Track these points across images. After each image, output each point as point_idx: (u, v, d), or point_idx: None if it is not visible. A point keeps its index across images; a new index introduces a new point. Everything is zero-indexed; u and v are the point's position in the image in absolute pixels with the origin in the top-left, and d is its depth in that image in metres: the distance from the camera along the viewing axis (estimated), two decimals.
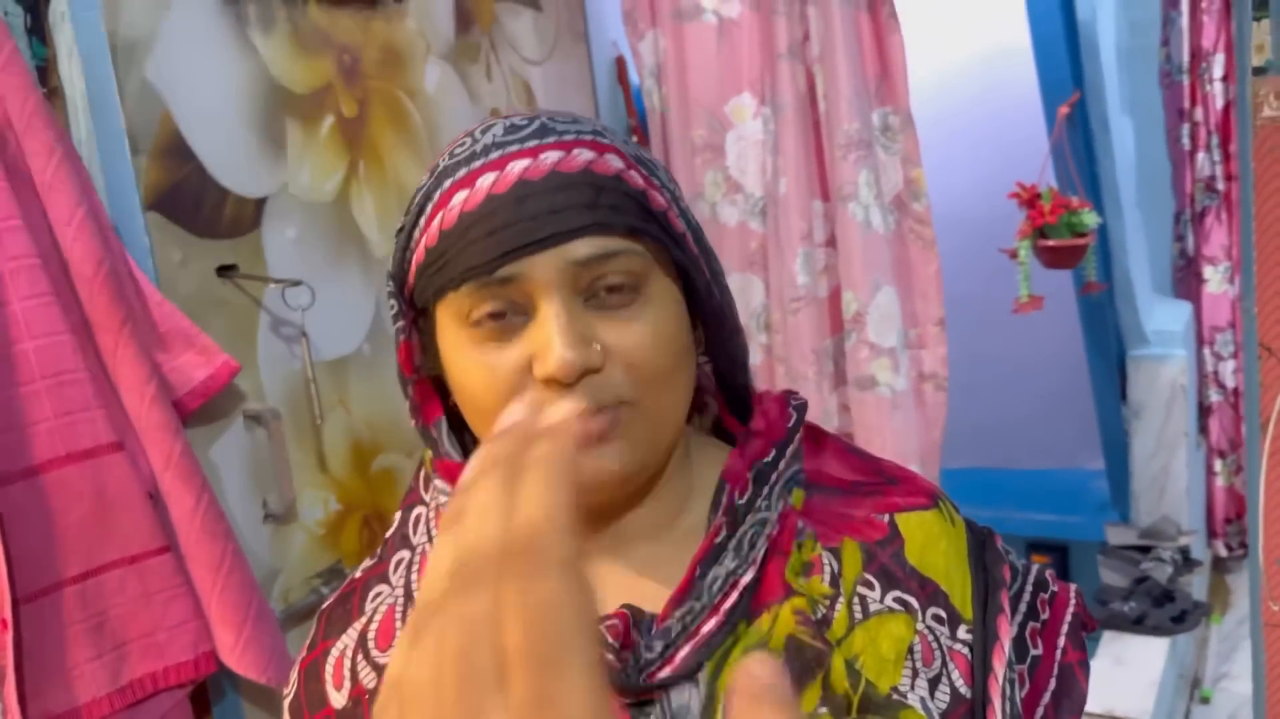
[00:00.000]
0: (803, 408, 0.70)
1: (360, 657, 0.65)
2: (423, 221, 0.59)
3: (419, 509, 0.69)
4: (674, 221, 0.61)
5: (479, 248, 0.56)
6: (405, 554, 0.68)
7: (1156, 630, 2.46)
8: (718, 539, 0.62)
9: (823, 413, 1.98)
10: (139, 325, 1.18)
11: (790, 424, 0.68)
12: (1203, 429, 2.90)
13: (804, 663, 0.60)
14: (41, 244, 1.13)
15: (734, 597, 0.61)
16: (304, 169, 1.40)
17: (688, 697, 0.59)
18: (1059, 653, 0.69)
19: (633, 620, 0.60)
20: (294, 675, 0.69)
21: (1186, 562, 2.62)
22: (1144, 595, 2.52)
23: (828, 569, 0.63)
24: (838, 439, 0.73)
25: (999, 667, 0.63)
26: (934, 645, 0.63)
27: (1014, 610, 0.67)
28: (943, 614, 0.64)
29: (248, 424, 1.32)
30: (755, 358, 2.06)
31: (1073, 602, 0.71)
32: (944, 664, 0.63)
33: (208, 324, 1.26)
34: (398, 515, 0.71)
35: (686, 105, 2.02)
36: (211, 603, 1.21)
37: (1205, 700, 2.58)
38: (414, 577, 0.66)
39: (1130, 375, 2.64)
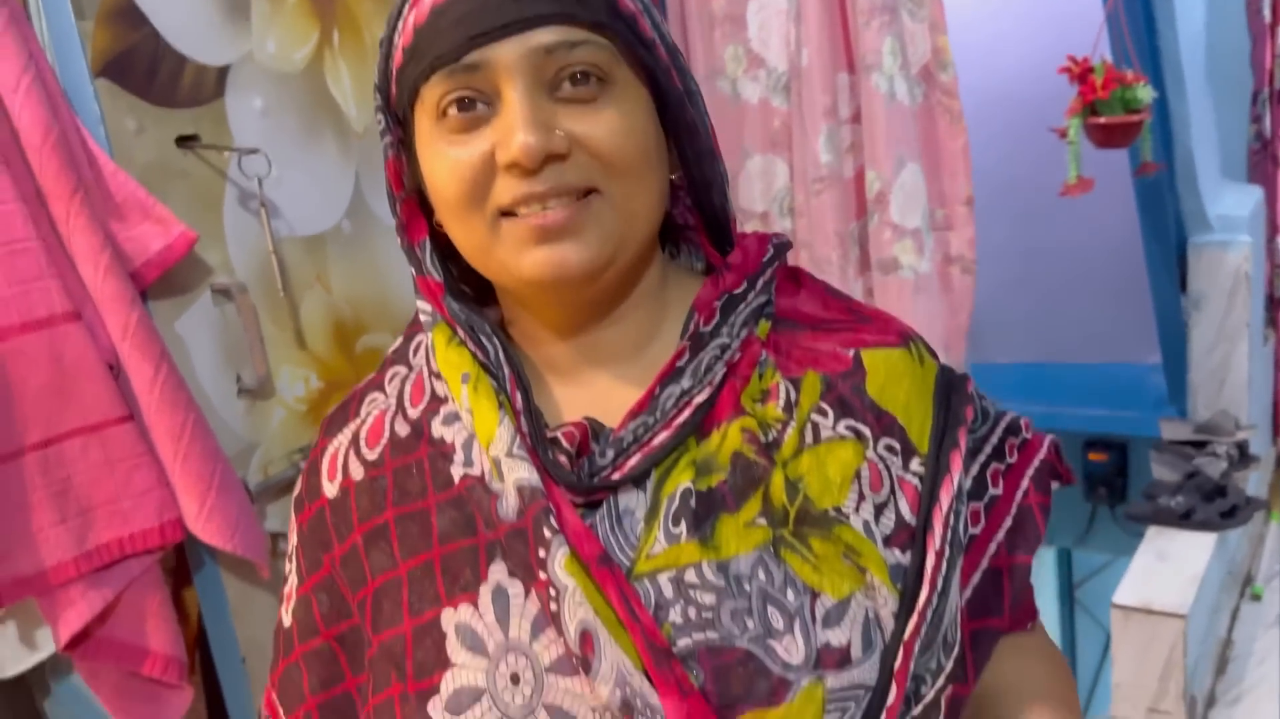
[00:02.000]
0: (783, 246, 0.70)
1: (352, 452, 0.68)
2: (400, 24, 0.60)
3: (420, 337, 0.70)
4: (644, 28, 0.60)
5: (446, 36, 0.57)
6: (402, 369, 0.70)
7: (1204, 525, 2.30)
8: (680, 362, 0.63)
9: None
10: (91, 194, 1.14)
11: (765, 258, 0.68)
12: (1270, 322, 2.67)
13: (747, 477, 0.61)
14: None
15: (687, 413, 0.62)
16: (270, 37, 1.32)
17: (634, 501, 0.61)
18: (1020, 494, 0.69)
19: (591, 431, 0.63)
20: (300, 477, 0.73)
21: (1243, 457, 2.43)
22: (1193, 490, 2.36)
23: (784, 396, 0.64)
24: (819, 282, 0.73)
25: (945, 497, 0.63)
26: (884, 473, 0.63)
27: (976, 451, 0.69)
28: (896, 445, 0.64)
29: (215, 298, 1.27)
30: None
31: (1044, 449, 0.72)
32: (892, 492, 0.63)
33: (168, 195, 1.21)
34: (399, 339, 0.73)
35: None
36: (175, 471, 1.18)
37: (1256, 597, 2.43)
38: (407, 389, 0.69)
39: (1191, 263, 2.42)
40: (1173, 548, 2.30)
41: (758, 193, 1.93)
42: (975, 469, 0.68)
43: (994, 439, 0.70)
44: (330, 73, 1.40)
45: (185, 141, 1.24)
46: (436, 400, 0.67)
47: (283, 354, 1.36)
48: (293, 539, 0.71)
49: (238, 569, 1.30)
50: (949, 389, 0.68)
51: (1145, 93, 2.11)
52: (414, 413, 0.67)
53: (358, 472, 0.68)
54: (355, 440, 0.69)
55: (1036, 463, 0.71)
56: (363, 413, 0.70)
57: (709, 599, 0.58)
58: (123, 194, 1.17)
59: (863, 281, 1.85)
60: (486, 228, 0.60)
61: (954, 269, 1.83)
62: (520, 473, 0.59)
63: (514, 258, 0.60)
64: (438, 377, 0.67)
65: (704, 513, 0.60)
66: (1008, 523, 0.69)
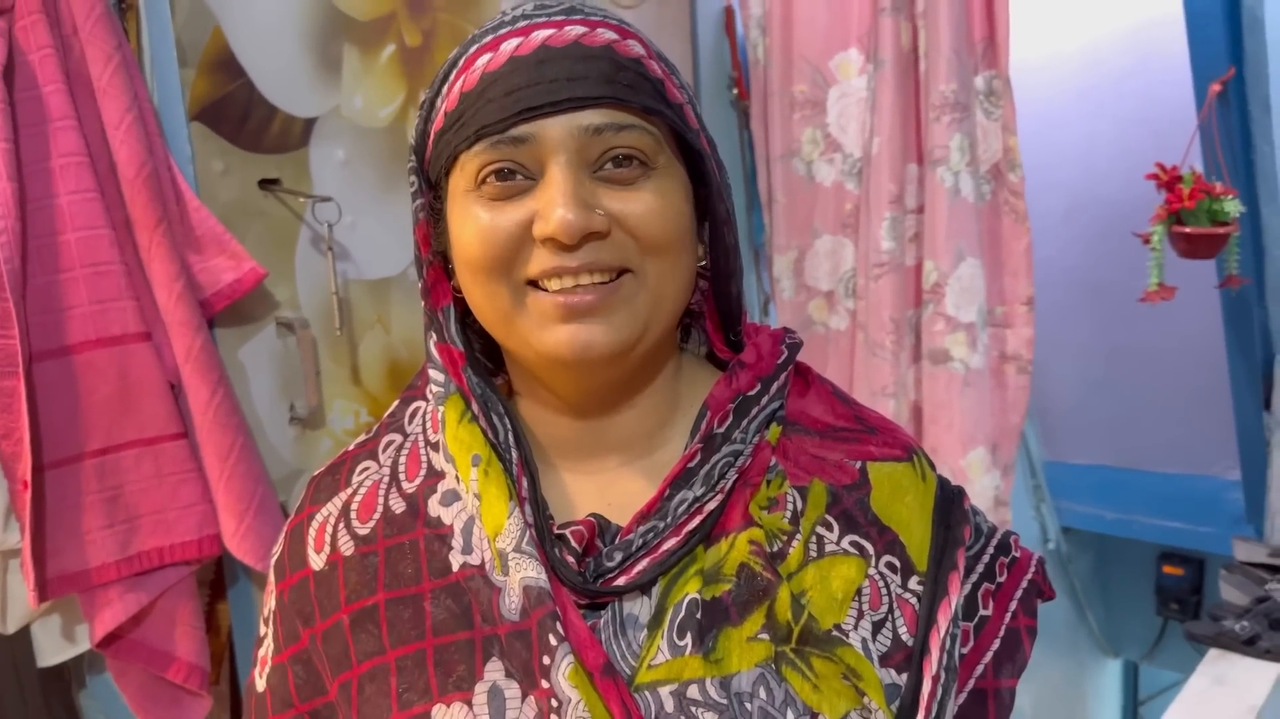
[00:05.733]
0: (795, 347, 0.70)
1: (341, 524, 0.66)
2: (445, 88, 0.60)
3: (418, 403, 0.69)
4: (689, 116, 0.61)
5: (496, 106, 0.56)
6: (397, 438, 0.69)
7: (1269, 654, 2.17)
8: (690, 464, 0.62)
9: (898, 386, 1.83)
10: (174, 226, 1.22)
11: (780, 361, 0.68)
12: None
13: (752, 590, 0.60)
14: (92, 144, 1.18)
15: (696, 520, 0.62)
16: (358, 94, 1.39)
17: (639, 607, 0.61)
18: (1008, 616, 0.68)
19: (599, 529, 0.62)
20: (281, 537, 0.71)
21: None
22: (1261, 616, 2.23)
23: (791, 506, 0.64)
24: (827, 384, 0.73)
25: (943, 620, 0.63)
26: (883, 591, 0.63)
27: (970, 570, 0.68)
28: (897, 563, 0.64)
29: (279, 330, 1.34)
30: (841, 324, 1.94)
31: (1032, 569, 0.71)
32: (891, 610, 0.63)
33: (245, 233, 1.28)
34: (396, 403, 0.72)
35: (790, 59, 1.90)
36: (219, 489, 1.24)
37: None
38: (402, 460, 0.67)
39: (1277, 381, 2.32)
40: (1233, 674, 2.17)
41: (824, 272, 1.93)
42: (968, 588, 0.67)
43: (986, 557, 0.69)
44: (412, 130, 1.47)
45: (267, 184, 1.32)
46: (433, 474, 0.66)
47: (337, 388, 1.41)
48: (270, 603, 0.70)
49: None
50: (948, 506, 0.68)
51: (1233, 206, 2.05)
52: (409, 487, 0.66)
53: (347, 546, 0.66)
54: (346, 512, 0.67)
55: (1025, 583, 0.70)
56: (354, 482, 0.68)
57: (710, 717, 0.57)
58: (203, 229, 1.25)
59: (914, 370, 1.82)
60: (511, 297, 0.59)
61: (1009, 367, 1.79)
62: (528, 571, 0.58)
63: (537, 332, 0.59)
64: (434, 448, 0.66)
65: (707, 624, 0.59)
66: (996, 645, 0.67)
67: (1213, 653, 2.26)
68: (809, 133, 1.91)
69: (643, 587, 0.61)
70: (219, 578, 1.35)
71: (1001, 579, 0.69)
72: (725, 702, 0.57)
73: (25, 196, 1.14)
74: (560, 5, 0.60)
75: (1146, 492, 2.77)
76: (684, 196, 0.61)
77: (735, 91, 2.01)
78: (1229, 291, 2.23)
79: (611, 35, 0.58)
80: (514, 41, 0.57)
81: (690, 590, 0.60)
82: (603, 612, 0.61)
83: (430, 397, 0.67)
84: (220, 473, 1.23)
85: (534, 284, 0.59)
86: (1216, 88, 2.07)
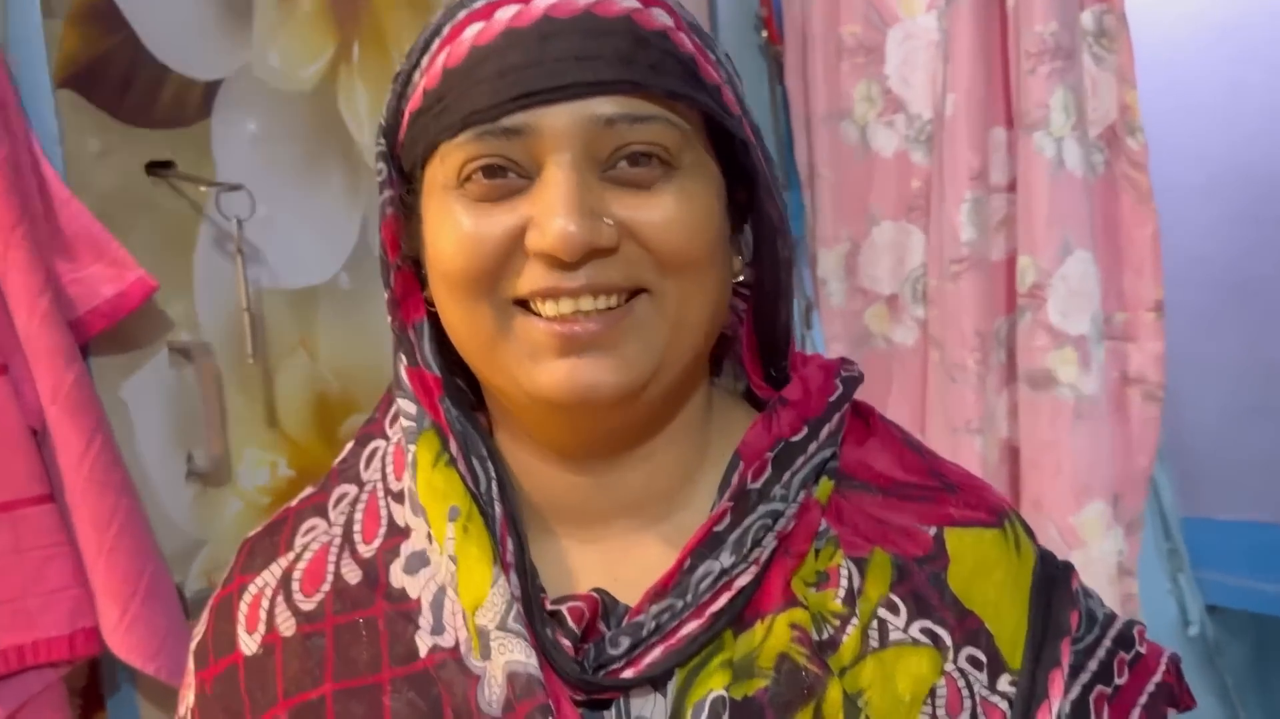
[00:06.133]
0: (852, 382, 0.73)
1: (280, 598, 0.70)
2: (425, 61, 0.63)
3: (377, 442, 0.74)
4: (728, 99, 0.64)
5: (487, 88, 0.59)
6: (352, 489, 0.73)
7: None
8: (718, 527, 0.65)
9: (985, 420, 1.87)
10: (36, 226, 1.26)
11: (832, 398, 0.71)
12: None
13: (794, 689, 0.62)
14: None
15: (724, 599, 0.64)
16: (274, 49, 1.46)
17: (651, 707, 0.63)
18: None
19: (602, 608, 0.65)
20: (205, 614, 0.74)
21: None
22: None
23: (845, 582, 0.66)
24: (895, 428, 0.76)
25: None
26: (964, 693, 0.65)
27: (1079, 668, 0.69)
28: (981, 658, 0.66)
29: (173, 359, 1.40)
30: (909, 337, 1.98)
31: (1162, 668, 0.73)
32: (974, 716, 0.65)
33: (130, 232, 1.34)
34: (349, 445, 0.76)
35: None
36: (97, 569, 1.28)
37: None
38: (357, 517, 0.71)
39: None
40: None
41: (885, 270, 1.98)
42: (1076, 691, 0.69)
43: (1100, 652, 0.71)
44: (344, 93, 1.53)
45: (157, 169, 1.37)
46: (395, 533, 0.69)
47: (248, 432, 1.46)
48: (188, 697, 0.73)
49: (161, 697, 1.38)
50: (1050, 586, 0.71)
51: None
52: (367, 550, 0.69)
53: (287, 625, 0.69)
54: (286, 582, 0.70)
55: (1151, 688, 0.72)
56: (297, 545, 0.72)
57: None
58: (74, 228, 1.30)
59: (1006, 396, 1.87)
60: (494, 319, 0.62)
61: (1134, 393, 1.83)
62: (515, 654, 0.61)
63: (524, 366, 0.62)
64: (396, 498, 0.70)
65: None
66: None
67: None
68: (863, 87, 1.96)
69: (655, 680, 0.63)
70: (93, 683, 1.39)
71: (1121, 681, 0.71)
72: None
73: None
74: None
75: None
76: (715, 200, 0.65)
77: (765, 34, 2.07)
78: None
79: (631, 3, 0.60)
80: (511, 9, 0.60)
81: (715, 687, 0.62)
82: (604, 712, 0.63)
83: (399, 432, 0.71)
84: (99, 546, 1.28)
85: (524, 305, 0.62)
86: None
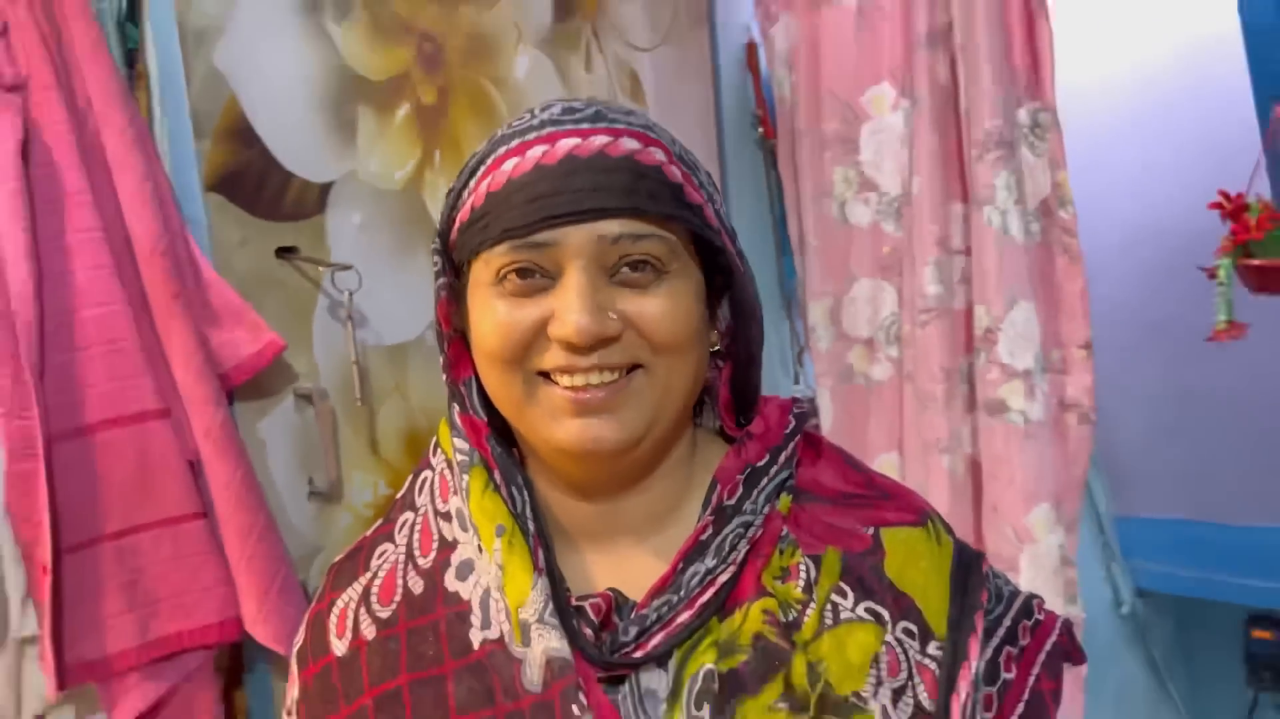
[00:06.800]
0: (803, 417, 0.79)
1: (363, 609, 0.75)
2: (473, 183, 0.69)
3: (425, 473, 0.79)
4: (709, 215, 0.70)
5: (521, 211, 0.65)
6: (410, 516, 0.78)
7: None
8: (702, 537, 0.71)
9: (952, 439, 1.92)
10: (191, 300, 1.34)
11: (788, 430, 0.77)
12: None
13: (768, 660, 0.68)
14: (107, 218, 1.31)
15: (710, 593, 0.70)
16: (374, 156, 1.52)
17: (657, 680, 0.68)
18: (1032, 679, 0.75)
19: (615, 604, 0.70)
20: (303, 626, 0.79)
21: None
22: None
23: (804, 575, 0.71)
24: (838, 451, 0.81)
25: (964, 685, 0.70)
26: (901, 658, 0.70)
27: (990, 634, 0.74)
28: (914, 629, 0.71)
29: (298, 403, 1.46)
30: (884, 374, 2.03)
31: (1056, 631, 0.78)
32: (910, 676, 0.70)
33: (263, 304, 1.40)
34: (408, 480, 0.81)
35: (818, 95, 2.02)
36: (240, 570, 1.35)
37: None
38: (415, 537, 0.76)
39: None
40: None
41: (863, 318, 2.03)
42: (989, 653, 0.74)
43: (1007, 621, 0.76)
44: (429, 191, 1.60)
45: (284, 253, 1.44)
46: (446, 546, 0.74)
47: (356, 460, 1.53)
48: (293, 692, 0.78)
49: (287, 674, 1.44)
50: (966, 570, 0.75)
51: None
52: (425, 563, 0.74)
53: (369, 630, 0.74)
54: (366, 597, 0.75)
55: (1049, 646, 0.77)
56: (373, 566, 0.77)
57: None
58: (220, 301, 1.37)
59: (969, 422, 1.91)
60: (524, 386, 0.68)
61: (1070, 417, 1.87)
62: (551, 642, 0.66)
63: (547, 424, 0.68)
64: (444, 517, 0.75)
65: (726, 695, 0.66)
66: (1020, 709, 0.74)
67: None
68: (841, 172, 2.02)
69: (659, 659, 0.68)
70: (235, 664, 1.45)
71: (1024, 642, 0.76)
72: None
73: (42, 273, 1.26)
74: (587, 110, 0.68)
75: (1229, 548, 2.81)
76: (696, 295, 0.70)
77: (761, 131, 2.13)
78: None
79: (634, 144, 0.66)
80: (540, 149, 0.66)
81: (706, 661, 0.67)
82: (621, 686, 0.68)
83: (441, 462, 0.77)
84: (241, 553, 1.34)
85: (546, 375, 0.68)
86: None
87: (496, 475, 0.73)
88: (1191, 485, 2.78)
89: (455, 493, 0.74)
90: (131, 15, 1.40)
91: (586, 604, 0.69)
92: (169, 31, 1.34)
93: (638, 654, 0.68)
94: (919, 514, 0.77)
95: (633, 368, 0.68)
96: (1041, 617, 0.79)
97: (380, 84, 1.53)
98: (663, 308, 0.67)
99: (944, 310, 1.90)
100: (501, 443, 0.75)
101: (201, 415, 1.33)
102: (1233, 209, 2.23)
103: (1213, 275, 2.27)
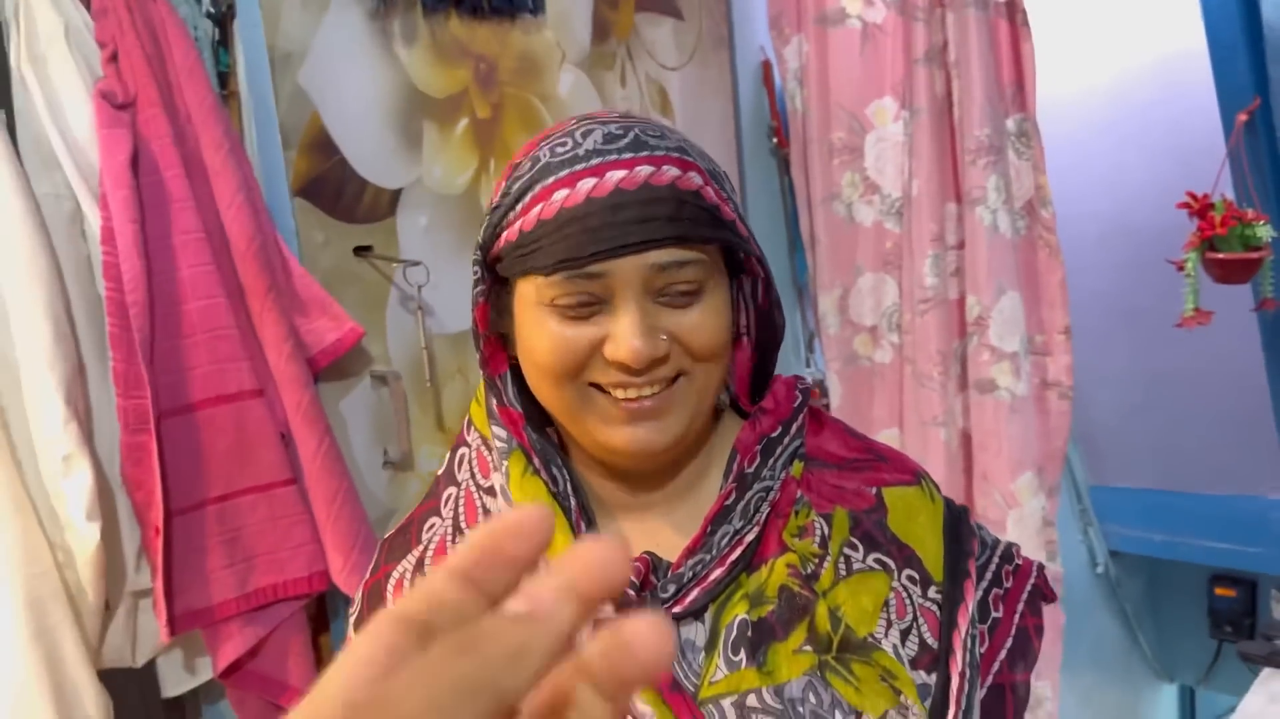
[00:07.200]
0: (807, 392, 0.79)
1: (418, 578, 0.74)
2: (519, 207, 0.66)
3: (462, 450, 0.79)
4: (740, 228, 0.69)
5: (575, 242, 0.63)
6: (453, 490, 0.78)
7: None
8: (727, 501, 0.71)
9: (947, 415, 1.95)
10: (282, 293, 1.37)
11: (795, 405, 0.77)
12: None
13: (793, 608, 0.69)
14: (207, 221, 1.34)
15: (738, 551, 0.70)
16: (438, 165, 1.55)
17: (694, 632, 0.69)
18: (1017, 616, 0.78)
19: (652, 565, 0.70)
20: (358, 596, 0.79)
21: None
22: None
23: (819, 532, 0.72)
24: (837, 421, 0.82)
25: (963, 623, 0.72)
26: (907, 602, 0.72)
27: (980, 577, 0.76)
28: (916, 576, 0.73)
29: (374, 383, 1.49)
30: (886, 357, 2.06)
31: (1034, 574, 0.80)
32: (915, 618, 0.71)
33: (343, 296, 1.43)
34: (447, 456, 0.81)
35: (827, 108, 2.04)
36: (327, 530, 1.38)
37: None
38: (461, 509, 0.76)
39: None
40: None
41: (868, 308, 2.06)
42: (979, 594, 0.75)
43: (993, 566, 0.78)
44: (485, 195, 1.62)
45: (361, 251, 1.47)
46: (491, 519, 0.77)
47: (424, 434, 1.56)
48: None
49: None
50: (956, 523, 0.77)
51: (1265, 231, 2.16)
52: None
53: None
54: (419, 565, 0.75)
55: (1029, 587, 0.80)
56: (424, 538, 0.76)
57: None
58: (307, 294, 1.40)
59: (961, 399, 1.94)
60: (577, 395, 0.68)
61: (1051, 394, 1.90)
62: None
63: (602, 429, 0.68)
64: (488, 492, 0.75)
65: (757, 641, 0.68)
66: (1009, 643, 0.76)
67: (1267, 672, 2.33)
68: (848, 176, 2.05)
69: (696, 613, 0.69)
70: (322, 612, 1.49)
71: (1008, 585, 0.78)
72: (780, 707, 0.65)
73: (151, 270, 1.30)
74: (626, 138, 0.66)
75: (1194, 514, 2.84)
76: (727, 302, 0.70)
77: (775, 140, 2.15)
78: (1266, 314, 2.34)
79: (675, 171, 0.65)
80: (590, 182, 0.64)
81: (739, 612, 0.68)
82: None
83: (477, 438, 0.77)
84: (327, 515, 1.38)
85: (597, 386, 0.68)
86: (1243, 117, 2.19)
87: (535, 460, 0.72)
88: (1161, 457, 2.81)
89: (496, 470, 0.75)
90: (224, 41, 1.44)
91: None
92: (259, 55, 1.37)
93: (676, 609, 0.68)
94: (914, 474, 0.78)
95: (676, 377, 0.68)
96: (1020, 561, 0.81)
97: (442, 101, 1.55)
98: (703, 322, 0.67)
99: (940, 300, 1.93)
100: (537, 429, 0.75)
101: (292, 394, 1.36)
102: (1199, 208, 2.25)
103: (1181, 268, 2.29)
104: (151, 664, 1.38)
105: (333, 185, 1.44)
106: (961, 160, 1.86)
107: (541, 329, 0.67)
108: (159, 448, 1.27)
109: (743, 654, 0.67)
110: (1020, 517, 1.87)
